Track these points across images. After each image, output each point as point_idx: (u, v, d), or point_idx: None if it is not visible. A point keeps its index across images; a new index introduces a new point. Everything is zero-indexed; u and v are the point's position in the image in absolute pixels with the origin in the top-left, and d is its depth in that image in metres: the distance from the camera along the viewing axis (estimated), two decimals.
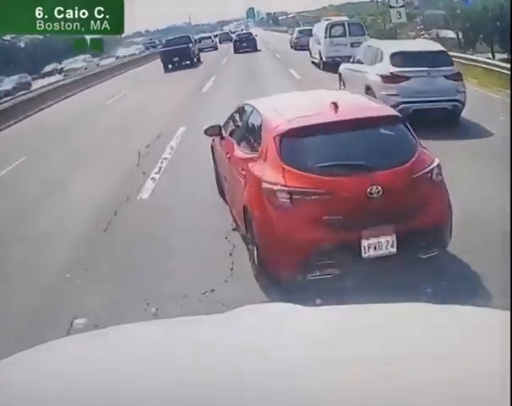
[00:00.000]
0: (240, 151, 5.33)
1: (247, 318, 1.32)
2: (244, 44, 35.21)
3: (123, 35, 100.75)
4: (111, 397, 0.98)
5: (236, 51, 34.30)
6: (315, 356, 1.04)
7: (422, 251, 4.43)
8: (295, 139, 4.55)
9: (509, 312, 1.16)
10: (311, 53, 23.82)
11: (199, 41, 36.49)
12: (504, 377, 0.88)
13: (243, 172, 4.89)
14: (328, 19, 25.06)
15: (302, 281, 4.18)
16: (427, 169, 4.54)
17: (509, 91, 10.88)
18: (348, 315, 1.34)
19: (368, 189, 4.20)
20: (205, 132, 6.36)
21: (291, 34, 35.97)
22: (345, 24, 20.82)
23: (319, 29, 22.19)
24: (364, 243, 4.20)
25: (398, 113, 5.25)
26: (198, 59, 30.14)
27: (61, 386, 1.04)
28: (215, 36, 44.42)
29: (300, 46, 32.78)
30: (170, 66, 27.29)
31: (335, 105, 4.68)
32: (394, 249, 4.26)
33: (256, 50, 34.63)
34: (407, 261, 4.37)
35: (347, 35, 20.49)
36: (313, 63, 23.09)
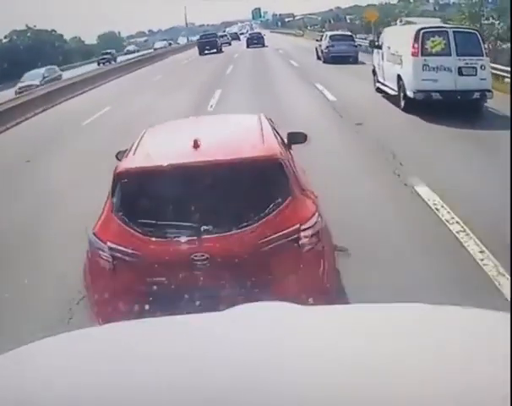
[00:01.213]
0: None
1: (244, 317, 1.26)
2: (255, 41, 43.17)
3: (126, 35, 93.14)
4: (106, 395, 0.95)
5: (248, 46, 41.94)
6: (313, 356, 1.00)
7: None
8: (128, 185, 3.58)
9: (508, 313, 1.13)
10: (376, 77, 14.50)
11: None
12: (504, 378, 0.85)
13: None
14: (409, 22, 15.79)
15: None
16: (288, 232, 3.33)
17: None
18: (347, 314, 1.30)
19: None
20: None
21: (319, 40, 26.57)
22: (450, 32, 11.64)
23: (397, 38, 12.74)
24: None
25: (274, 154, 3.60)
26: (221, 50, 39.76)
27: (58, 383, 1.01)
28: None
29: (332, 57, 23.59)
30: (204, 51, 38.39)
31: (196, 143, 3.60)
32: None
33: (264, 46, 41.67)
34: None
35: (452, 54, 11.47)
36: (380, 93, 13.97)
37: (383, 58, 13.64)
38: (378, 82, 14.33)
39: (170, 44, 68.44)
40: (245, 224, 3.37)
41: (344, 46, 23.68)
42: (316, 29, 77.67)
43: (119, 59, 46.21)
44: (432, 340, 1.05)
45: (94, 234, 3.57)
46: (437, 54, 11.43)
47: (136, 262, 3.43)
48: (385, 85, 13.45)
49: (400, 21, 21.22)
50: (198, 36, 47.02)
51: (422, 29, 11.60)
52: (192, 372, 0.99)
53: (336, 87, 16.02)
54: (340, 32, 26.67)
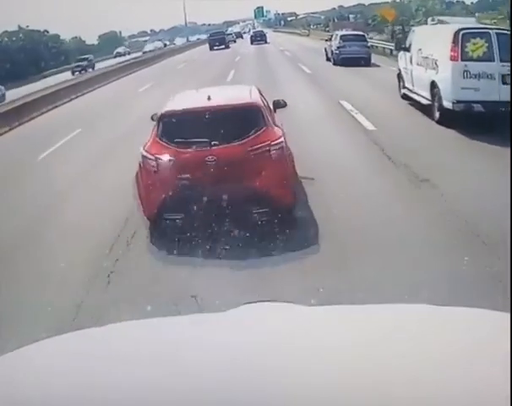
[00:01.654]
0: None
1: (244, 317, 1.27)
2: (258, 38, 46.92)
3: (128, 34, 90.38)
4: (105, 396, 0.95)
5: (252, 42, 46.12)
6: (313, 356, 1.01)
7: (252, 207, 5.44)
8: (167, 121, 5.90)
9: (509, 314, 1.12)
10: (401, 82, 12.96)
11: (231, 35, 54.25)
12: (505, 378, 0.85)
13: None
14: (441, 22, 14.20)
15: (159, 220, 5.63)
16: (263, 145, 5.56)
17: None
18: (347, 314, 1.29)
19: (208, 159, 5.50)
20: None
21: (329, 40, 25.01)
22: (493, 34, 10.03)
23: (431, 39, 11.11)
24: (205, 197, 5.28)
25: (257, 101, 6.07)
26: (228, 46, 43.98)
27: (57, 383, 1.01)
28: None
29: (343, 59, 22.04)
30: (214, 47, 42.28)
31: (209, 97, 6.05)
32: (229, 205, 5.25)
33: (266, 42, 45.65)
34: (240, 214, 5.29)
35: (495, 59, 9.92)
36: (406, 100, 12.44)
37: (411, 62, 12.10)
38: (405, 88, 12.80)
39: (165, 45, 62.50)
40: (238, 140, 5.59)
41: (356, 47, 22.13)
42: (319, 28, 76.21)
43: (107, 63, 39.26)
44: (434, 341, 1.05)
45: (145, 151, 5.69)
46: (478, 59, 9.88)
47: (171, 165, 5.51)
48: (415, 93, 11.91)
49: (432, 20, 19.59)
50: (196, 36, 56.07)
51: (462, 29, 10.03)
52: (193, 373, 0.98)
53: (368, 106, 12.25)
54: (351, 32, 25.07)
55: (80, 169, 9.30)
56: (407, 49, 12.51)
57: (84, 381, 1.00)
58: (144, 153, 5.68)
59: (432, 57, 10.71)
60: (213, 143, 5.51)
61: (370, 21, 55.02)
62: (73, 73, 38.87)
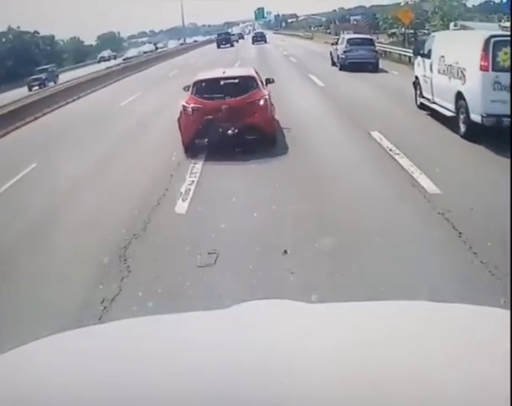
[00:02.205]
0: None
1: (244, 315, 1.26)
2: (259, 38, 51.73)
3: (128, 35, 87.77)
4: (106, 394, 0.94)
5: (253, 42, 50.72)
6: (314, 354, 0.99)
7: (249, 135, 9.25)
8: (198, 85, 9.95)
9: (509, 311, 1.10)
10: (418, 91, 11.83)
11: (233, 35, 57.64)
12: (505, 377, 0.84)
13: None
14: (464, 27, 13.12)
15: (195, 142, 9.47)
16: (256, 99, 9.50)
17: None
18: (348, 312, 1.27)
19: (222, 107, 9.24)
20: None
21: (334, 44, 24.05)
22: None
23: (456, 46, 10.04)
24: (220, 129, 9.13)
25: (253, 74, 10.38)
26: (233, 45, 49.77)
27: (57, 382, 1.00)
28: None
29: (350, 63, 21.07)
30: (220, 46, 47.67)
31: (224, 71, 10.61)
32: (235, 132, 9.19)
33: (266, 42, 49.93)
34: (242, 139, 9.22)
35: None
36: (423, 110, 11.34)
37: (431, 69, 11.17)
38: (423, 97, 11.86)
39: (157, 48, 57.07)
40: (240, 96, 9.51)
41: (363, 52, 21.17)
42: (320, 30, 75.23)
43: (86, 70, 32.81)
44: (435, 338, 1.05)
45: (185, 103, 9.61)
46: (508, 70, 8.95)
47: (200, 110, 9.34)
48: (435, 103, 10.99)
49: (455, 25, 18.61)
50: (194, 38, 65.03)
51: (494, 36, 9.07)
52: (193, 372, 0.97)
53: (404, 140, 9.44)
54: (359, 35, 24.04)
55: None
56: (427, 55, 11.58)
57: (84, 380, 0.98)
58: (184, 104, 9.67)
59: (457, 65, 9.76)
60: (226, 97, 9.58)
61: (381, 23, 54.12)
62: (29, 88, 30.76)
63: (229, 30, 65.91)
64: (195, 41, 65.54)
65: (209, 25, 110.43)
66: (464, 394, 0.86)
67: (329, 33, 67.20)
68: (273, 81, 11.00)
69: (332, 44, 24.49)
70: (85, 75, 25.79)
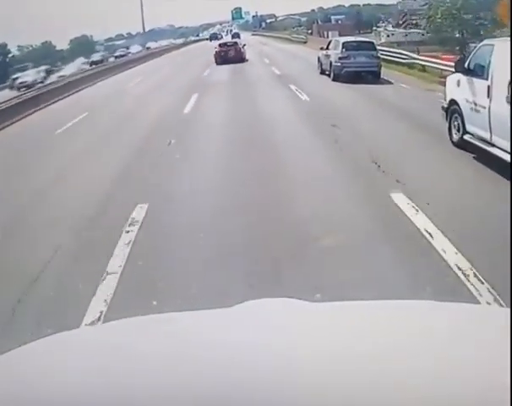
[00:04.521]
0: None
1: (248, 314, 1.23)
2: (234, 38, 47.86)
3: (106, 38, 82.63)
4: (105, 394, 0.92)
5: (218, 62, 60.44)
6: (319, 353, 0.97)
7: (237, 59, 28.72)
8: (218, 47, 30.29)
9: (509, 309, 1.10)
10: (457, 122, 7.95)
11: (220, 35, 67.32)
12: (506, 375, 0.83)
13: None
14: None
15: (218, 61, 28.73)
16: (240, 46, 30.52)
17: None
18: (354, 311, 1.24)
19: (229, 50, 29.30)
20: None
21: (325, 48, 20.26)
22: None
23: None
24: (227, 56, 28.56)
25: (238, 43, 33.34)
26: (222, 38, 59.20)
27: (56, 382, 0.98)
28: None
29: (347, 73, 17.33)
30: (212, 41, 54.53)
31: (226, 41, 36.70)
32: (232, 57, 29.24)
33: (240, 38, 49.13)
34: (235, 59, 28.72)
35: None
36: (465, 149, 6.96)
37: (488, 95, 7.52)
38: (466, 132, 8.21)
39: (102, 61, 43.38)
40: (234, 46, 30.83)
41: (363, 58, 17.43)
42: (300, 31, 71.68)
43: None
44: (437, 337, 1.03)
45: (215, 48, 31.05)
46: None
47: (221, 50, 30.25)
48: (495, 146, 7.34)
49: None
50: (166, 41, 66.58)
51: None
52: (195, 371, 0.95)
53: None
54: (357, 38, 19.91)
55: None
56: (477, 73, 7.96)
57: (85, 379, 0.96)
58: (216, 48, 30.10)
59: None
60: (229, 47, 30.17)
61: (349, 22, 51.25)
62: None
63: (201, 32, 73.48)
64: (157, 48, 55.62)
65: (187, 27, 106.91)
66: (465, 393, 0.84)
67: (311, 33, 63.67)
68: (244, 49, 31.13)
69: (321, 48, 20.65)
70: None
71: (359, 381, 0.87)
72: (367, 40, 19.84)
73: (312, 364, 0.92)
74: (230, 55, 28.43)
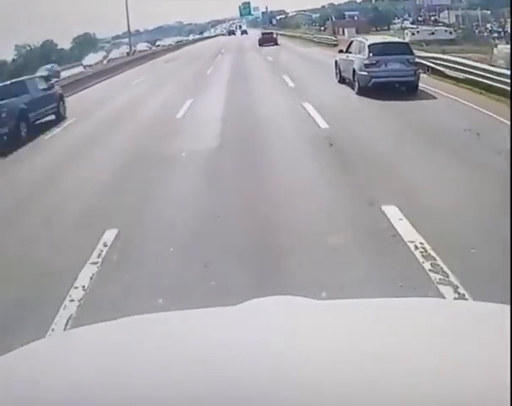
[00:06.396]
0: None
1: (253, 312, 1.22)
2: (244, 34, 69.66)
3: (113, 35, 79.12)
4: (107, 394, 0.91)
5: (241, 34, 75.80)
6: (321, 351, 0.96)
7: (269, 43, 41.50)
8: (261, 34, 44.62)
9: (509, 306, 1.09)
10: None
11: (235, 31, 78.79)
12: (505, 375, 0.82)
13: None
14: None
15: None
16: (274, 35, 43.86)
17: None
18: (358, 309, 1.24)
19: (268, 36, 43.46)
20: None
21: (345, 51, 15.93)
22: None
23: None
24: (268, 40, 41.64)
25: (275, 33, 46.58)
26: (235, 34, 74.84)
27: (58, 382, 0.97)
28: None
29: (376, 84, 12.87)
30: (229, 35, 72.91)
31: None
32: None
33: (247, 34, 69.49)
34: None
35: None
36: None
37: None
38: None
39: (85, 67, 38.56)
40: (272, 35, 43.46)
41: (397, 64, 13.15)
42: (312, 28, 67.34)
43: None
44: (440, 335, 1.02)
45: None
46: None
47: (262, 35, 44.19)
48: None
49: None
50: (172, 39, 64.98)
51: None
52: (199, 370, 0.94)
53: None
54: (387, 40, 15.38)
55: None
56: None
57: (88, 378, 0.95)
58: (259, 36, 42.33)
59: None
60: (268, 35, 43.09)
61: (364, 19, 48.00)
62: None
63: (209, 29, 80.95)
64: (149, 47, 54.00)
65: (195, 24, 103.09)
66: (466, 392, 0.84)
67: (324, 31, 59.29)
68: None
69: (340, 51, 16.33)
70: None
71: (361, 379, 0.86)
72: (400, 41, 15.58)
73: (313, 363, 0.91)
74: (268, 39, 41.27)
